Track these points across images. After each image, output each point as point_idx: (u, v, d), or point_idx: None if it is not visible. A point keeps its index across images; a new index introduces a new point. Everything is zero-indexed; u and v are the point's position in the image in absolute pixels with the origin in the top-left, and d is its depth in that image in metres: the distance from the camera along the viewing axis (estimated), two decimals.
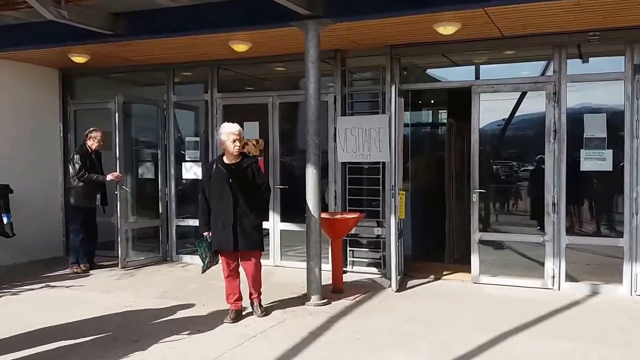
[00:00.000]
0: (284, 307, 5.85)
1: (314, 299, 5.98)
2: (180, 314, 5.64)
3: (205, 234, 5.46)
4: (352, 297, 6.20)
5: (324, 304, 5.94)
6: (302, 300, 6.07)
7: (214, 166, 5.44)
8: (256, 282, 5.56)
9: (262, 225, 5.63)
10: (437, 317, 5.52)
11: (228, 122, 5.56)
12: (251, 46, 7.14)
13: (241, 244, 5.31)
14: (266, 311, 5.58)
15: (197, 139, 8.49)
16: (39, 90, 8.83)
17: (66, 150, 9.00)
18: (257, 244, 5.46)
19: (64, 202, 8.78)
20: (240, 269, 5.54)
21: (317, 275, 6.04)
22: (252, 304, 5.61)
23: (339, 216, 6.82)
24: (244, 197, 5.31)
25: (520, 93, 7.02)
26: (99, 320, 5.45)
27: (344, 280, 6.67)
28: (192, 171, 8.37)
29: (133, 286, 6.92)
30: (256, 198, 5.44)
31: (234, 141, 5.29)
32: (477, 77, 7.22)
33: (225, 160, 5.41)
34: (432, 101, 10.27)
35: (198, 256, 5.60)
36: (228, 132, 5.31)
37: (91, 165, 7.62)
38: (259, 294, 5.61)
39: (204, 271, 5.57)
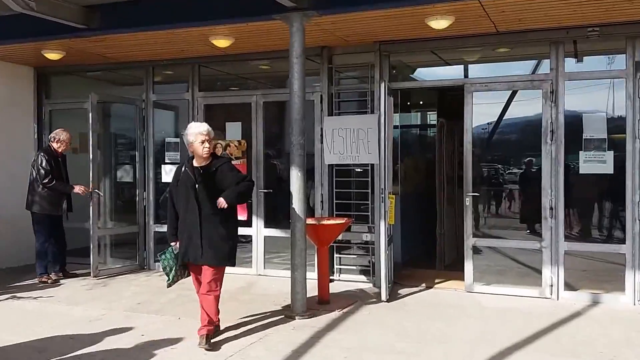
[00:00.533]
0: (266, 321, 5.46)
1: (299, 312, 5.59)
2: (153, 329, 5.22)
3: (173, 244, 4.98)
4: (339, 309, 5.81)
5: (309, 317, 5.55)
6: (285, 312, 5.68)
7: (182, 169, 4.99)
8: (210, 305, 4.77)
9: (234, 237, 4.96)
10: (430, 332, 5.15)
11: (207, 122, 5.15)
12: (233, 42, 6.77)
13: (204, 257, 4.76)
14: (212, 348, 4.66)
15: (178, 140, 8.10)
16: (13, 89, 8.43)
17: None
18: (220, 258, 4.78)
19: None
20: None
21: (302, 287, 5.65)
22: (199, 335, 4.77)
23: (325, 221, 6.43)
24: (212, 204, 4.79)
25: (512, 92, 6.70)
26: (64, 338, 5.01)
27: (330, 289, 6.28)
28: (172, 174, 7.91)
29: (105, 297, 6.48)
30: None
31: (203, 142, 4.80)
32: (470, 75, 6.88)
33: (194, 163, 4.93)
34: (421, 102, 9.98)
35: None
36: (196, 133, 4.83)
37: (57, 169, 7.19)
38: (209, 322, 4.77)
39: (169, 285, 5.03)
